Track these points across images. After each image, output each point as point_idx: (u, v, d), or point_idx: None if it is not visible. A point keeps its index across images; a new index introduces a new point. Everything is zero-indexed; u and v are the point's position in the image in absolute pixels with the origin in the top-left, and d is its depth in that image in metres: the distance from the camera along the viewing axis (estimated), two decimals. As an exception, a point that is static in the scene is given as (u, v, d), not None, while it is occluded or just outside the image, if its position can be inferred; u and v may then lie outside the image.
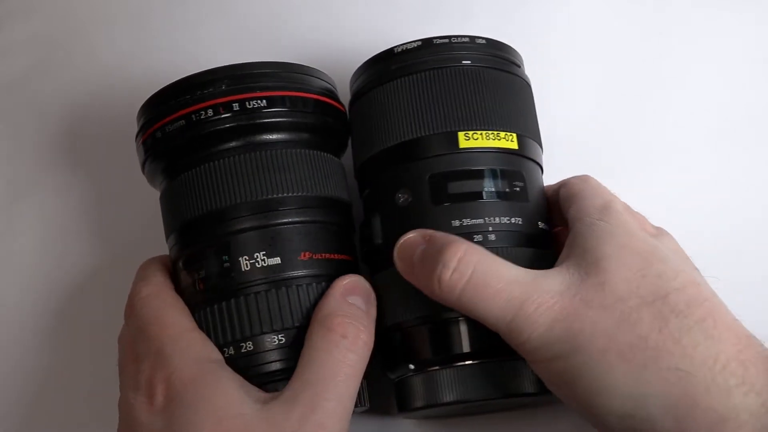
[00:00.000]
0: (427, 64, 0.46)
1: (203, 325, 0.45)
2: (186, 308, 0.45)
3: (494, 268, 0.40)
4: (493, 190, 0.44)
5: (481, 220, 0.43)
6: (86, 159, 0.59)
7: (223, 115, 0.45)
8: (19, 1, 0.62)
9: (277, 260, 0.44)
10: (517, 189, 0.44)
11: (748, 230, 0.52)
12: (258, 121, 0.45)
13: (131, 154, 0.51)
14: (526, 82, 0.48)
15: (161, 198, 0.48)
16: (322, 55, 0.57)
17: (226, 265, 0.44)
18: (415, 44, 0.47)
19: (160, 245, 0.49)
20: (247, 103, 0.45)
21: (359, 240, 0.48)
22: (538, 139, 0.47)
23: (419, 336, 0.44)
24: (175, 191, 0.47)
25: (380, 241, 0.46)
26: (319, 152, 0.47)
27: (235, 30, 0.59)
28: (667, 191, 0.52)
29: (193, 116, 0.45)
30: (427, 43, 0.46)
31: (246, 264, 0.44)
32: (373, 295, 0.45)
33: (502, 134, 0.45)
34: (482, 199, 0.44)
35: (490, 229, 0.43)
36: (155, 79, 0.54)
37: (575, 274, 0.39)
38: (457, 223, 0.43)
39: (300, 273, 0.44)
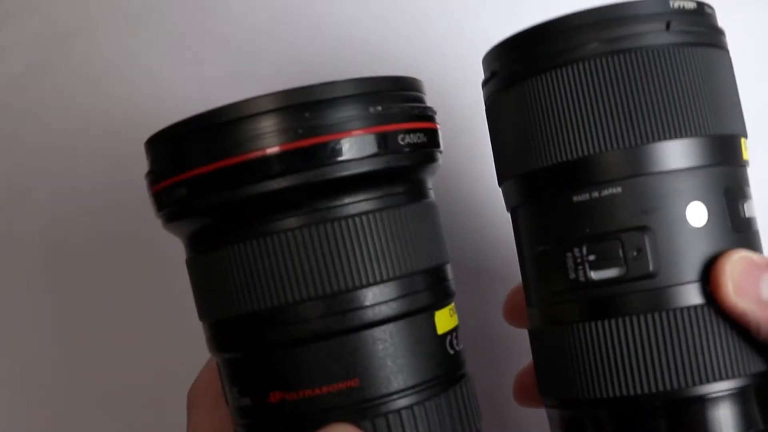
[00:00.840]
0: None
1: None
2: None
3: None
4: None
5: None
6: (85, 161, 0.58)
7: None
8: (20, 1, 0.60)
9: (246, 400, 0.35)
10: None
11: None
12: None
13: (131, 159, 0.49)
14: (717, 46, 0.38)
15: (188, 266, 0.37)
16: (317, 53, 0.56)
17: (230, 394, 0.36)
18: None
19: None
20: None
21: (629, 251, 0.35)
22: (739, 128, 0.39)
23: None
24: (203, 271, 0.36)
25: (652, 269, 0.34)
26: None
27: (240, 30, 0.57)
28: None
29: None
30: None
31: (233, 398, 0.35)
32: None
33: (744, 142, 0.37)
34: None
35: None
36: (156, 79, 0.57)
37: None
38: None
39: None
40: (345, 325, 0.33)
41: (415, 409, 0.34)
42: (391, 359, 0.34)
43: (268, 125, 0.32)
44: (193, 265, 0.37)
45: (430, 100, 0.39)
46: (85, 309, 0.57)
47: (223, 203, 0.33)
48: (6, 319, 0.58)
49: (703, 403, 0.34)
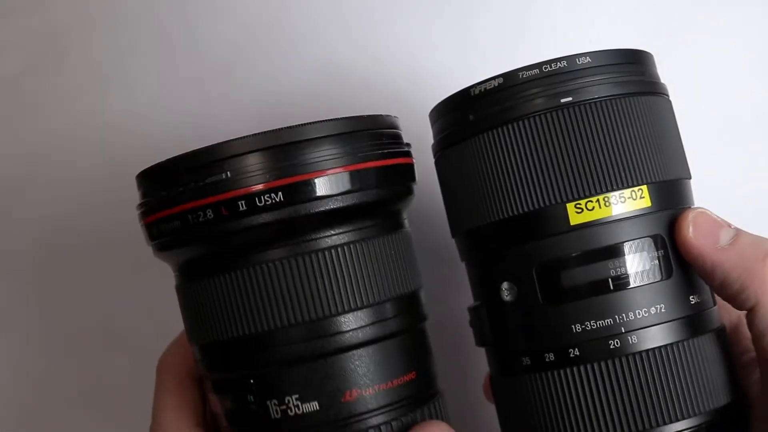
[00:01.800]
0: (511, 113, 0.35)
1: None
2: None
3: None
4: (622, 273, 0.35)
5: (609, 320, 0.35)
6: (82, 160, 0.57)
7: (263, 207, 0.35)
8: (18, 1, 0.60)
9: (314, 405, 0.36)
10: (656, 261, 0.36)
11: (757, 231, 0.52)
12: (311, 211, 0.35)
13: (129, 158, 0.52)
14: (660, 94, 0.38)
15: (178, 291, 0.40)
16: (319, 58, 0.55)
17: (253, 407, 0.37)
18: (495, 83, 0.36)
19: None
20: (297, 188, 0.35)
21: (471, 322, 0.39)
22: (683, 172, 0.38)
23: None
24: (194, 297, 0.38)
25: (491, 339, 0.38)
26: (389, 237, 0.38)
27: (238, 27, 0.57)
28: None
29: (222, 207, 0.35)
30: (511, 78, 0.36)
31: (276, 410, 0.36)
32: None
33: (627, 193, 0.35)
34: (609, 290, 0.35)
35: (623, 330, 0.35)
36: (154, 78, 0.57)
37: None
38: (579, 328, 0.35)
39: (345, 419, 0.36)
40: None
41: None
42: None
43: (253, 164, 0.35)
44: (182, 291, 0.39)
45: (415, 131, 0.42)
46: (82, 309, 0.57)
47: (211, 236, 0.36)
48: (2, 319, 0.57)
49: None
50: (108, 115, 0.57)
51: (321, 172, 0.35)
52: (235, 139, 0.35)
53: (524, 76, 0.36)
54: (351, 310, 0.36)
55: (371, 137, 0.37)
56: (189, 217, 0.36)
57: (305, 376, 0.36)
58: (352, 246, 0.36)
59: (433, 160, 0.42)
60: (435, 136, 0.40)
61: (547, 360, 0.35)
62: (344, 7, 0.55)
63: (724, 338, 0.36)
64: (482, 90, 0.36)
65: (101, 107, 0.57)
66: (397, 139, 0.39)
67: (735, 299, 0.36)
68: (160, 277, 0.51)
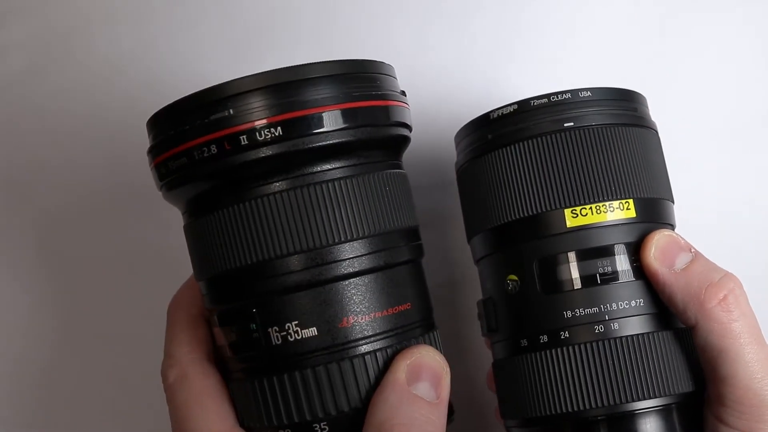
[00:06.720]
0: (523, 133, 0.42)
1: (235, 401, 0.41)
2: (216, 395, 0.41)
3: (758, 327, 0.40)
4: (608, 270, 0.41)
5: (596, 309, 0.41)
6: (84, 159, 0.58)
7: (263, 141, 0.37)
8: (19, 1, 0.61)
9: (312, 331, 0.38)
10: (637, 264, 0.41)
11: (755, 230, 0.54)
12: (309, 146, 0.37)
13: (130, 157, 0.52)
14: (649, 128, 0.44)
15: (186, 231, 0.42)
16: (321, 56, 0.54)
17: (255, 335, 0.39)
18: (510, 108, 0.42)
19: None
20: (297, 123, 0.37)
21: (479, 314, 0.45)
22: (665, 194, 0.44)
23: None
24: (200, 233, 0.40)
25: (496, 328, 0.44)
26: (384, 173, 0.40)
27: (238, 29, 0.58)
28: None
29: (227, 141, 0.37)
30: (524, 105, 0.42)
31: (276, 337, 0.38)
32: (445, 370, 0.40)
33: (615, 204, 0.41)
34: (597, 283, 0.41)
35: (607, 318, 0.40)
36: (155, 79, 0.58)
37: None
38: (569, 314, 0.41)
39: (342, 344, 0.38)
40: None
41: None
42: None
43: (254, 102, 0.37)
44: (190, 229, 0.41)
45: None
46: (82, 308, 0.58)
47: (215, 170, 0.38)
48: (3, 318, 0.58)
49: (633, 417, 0.40)
50: (112, 113, 0.58)
51: (318, 109, 0.37)
52: (237, 78, 0.37)
53: (535, 104, 0.43)
54: (347, 241, 0.38)
55: (366, 80, 0.39)
56: (194, 153, 0.37)
57: (304, 304, 0.38)
58: (348, 180, 0.38)
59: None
60: (459, 155, 0.47)
61: (541, 341, 0.41)
62: (344, 7, 0.57)
63: (689, 338, 0.42)
64: (500, 114, 0.43)
65: (104, 106, 0.58)
66: (390, 83, 0.41)
67: (680, 316, 0.41)
68: (165, 272, 0.53)
